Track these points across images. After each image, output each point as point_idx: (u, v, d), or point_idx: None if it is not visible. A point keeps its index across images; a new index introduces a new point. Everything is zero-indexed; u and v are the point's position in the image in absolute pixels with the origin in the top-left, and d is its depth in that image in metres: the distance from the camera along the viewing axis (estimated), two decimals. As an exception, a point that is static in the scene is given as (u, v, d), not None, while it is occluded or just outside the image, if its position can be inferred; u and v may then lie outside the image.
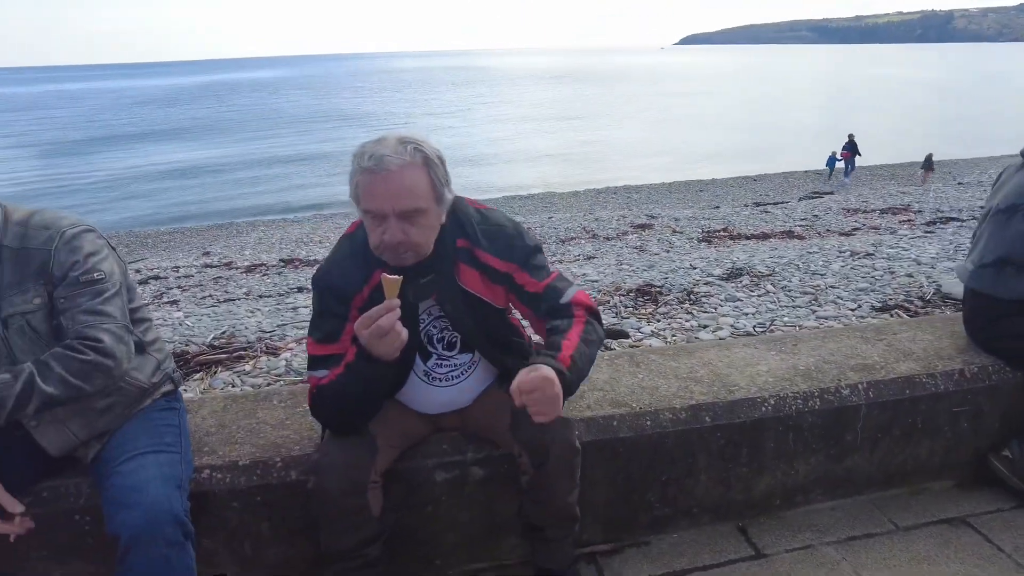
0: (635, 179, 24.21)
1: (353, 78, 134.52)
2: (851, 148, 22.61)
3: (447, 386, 1.71)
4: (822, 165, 23.56)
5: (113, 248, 1.68)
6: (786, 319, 4.27)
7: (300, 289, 8.22)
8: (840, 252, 6.47)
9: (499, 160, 30.34)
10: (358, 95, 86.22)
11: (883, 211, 13.12)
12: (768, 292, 5.11)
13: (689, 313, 4.61)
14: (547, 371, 1.38)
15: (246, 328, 4.84)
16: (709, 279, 5.65)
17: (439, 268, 1.59)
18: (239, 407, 2.06)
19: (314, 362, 1.59)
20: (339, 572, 1.66)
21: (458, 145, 33.76)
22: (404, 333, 1.40)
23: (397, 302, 1.38)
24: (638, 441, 1.92)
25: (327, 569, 1.69)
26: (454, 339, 1.70)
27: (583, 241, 12.10)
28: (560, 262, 8.75)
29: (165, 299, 8.49)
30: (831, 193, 18.49)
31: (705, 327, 4.23)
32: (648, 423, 1.93)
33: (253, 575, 1.86)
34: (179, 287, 9.72)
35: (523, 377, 1.38)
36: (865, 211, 13.55)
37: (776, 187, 21.44)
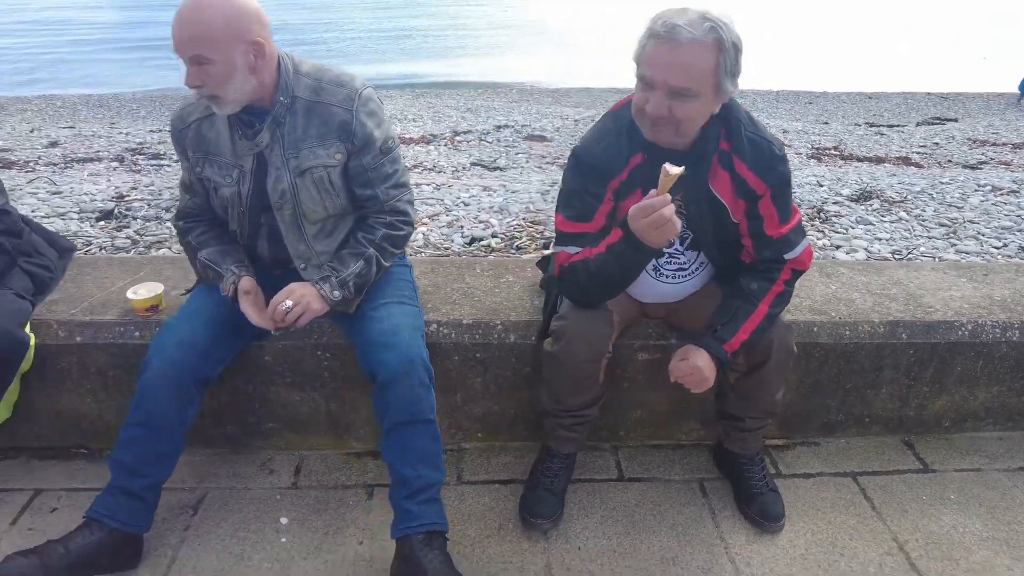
0: (740, 83, 22.67)
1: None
2: None
3: (671, 283, 1.77)
4: (949, 88, 21.50)
5: None
6: (922, 249, 4.12)
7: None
8: (979, 186, 6.08)
9: (581, 45, 28.61)
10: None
11: (1017, 145, 12.06)
12: (901, 219, 4.90)
13: (820, 231, 4.50)
14: (699, 361, 1.59)
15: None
16: (838, 199, 5.44)
17: (695, 165, 1.54)
18: (446, 271, 2.20)
19: (564, 238, 1.64)
20: (559, 426, 1.83)
21: (533, 21, 32.05)
22: (679, 224, 1.41)
23: (668, 197, 1.38)
24: (834, 349, 1.98)
25: (546, 421, 1.86)
26: (686, 236, 1.71)
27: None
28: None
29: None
30: (955, 120, 16.99)
31: (838, 247, 4.14)
32: (847, 333, 1.98)
33: (459, 425, 2.07)
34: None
35: (675, 363, 1.63)
36: (994, 144, 12.47)
37: (893, 107, 19.72)
